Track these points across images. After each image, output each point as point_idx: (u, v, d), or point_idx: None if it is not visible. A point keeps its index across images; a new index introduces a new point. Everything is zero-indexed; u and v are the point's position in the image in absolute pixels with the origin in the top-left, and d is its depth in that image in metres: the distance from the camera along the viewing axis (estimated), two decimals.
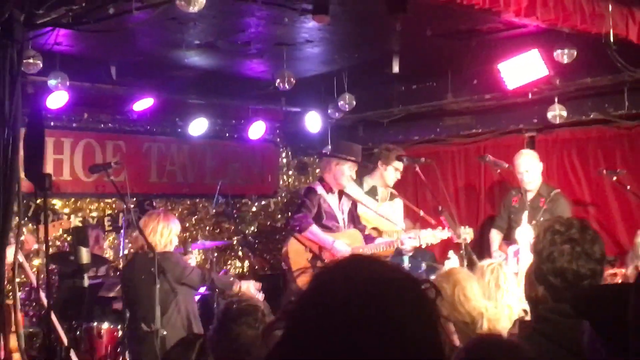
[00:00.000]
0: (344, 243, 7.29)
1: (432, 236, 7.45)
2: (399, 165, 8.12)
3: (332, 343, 1.36)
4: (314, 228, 7.23)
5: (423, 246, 7.76)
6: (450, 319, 3.48)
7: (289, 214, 8.06)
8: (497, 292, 3.81)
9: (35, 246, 6.93)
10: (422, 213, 8.25)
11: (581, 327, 1.94)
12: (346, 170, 7.55)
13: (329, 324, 1.37)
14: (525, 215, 7.77)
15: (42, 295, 6.44)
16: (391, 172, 8.13)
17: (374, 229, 7.93)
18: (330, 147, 8.04)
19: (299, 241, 7.17)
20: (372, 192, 8.17)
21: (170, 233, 6.41)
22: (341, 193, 7.64)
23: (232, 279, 7.02)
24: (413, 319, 1.39)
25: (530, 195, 8.07)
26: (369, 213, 7.88)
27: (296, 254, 7.22)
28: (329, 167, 7.65)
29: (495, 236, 8.26)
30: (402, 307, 1.39)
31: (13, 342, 5.43)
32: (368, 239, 7.59)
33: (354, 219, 7.71)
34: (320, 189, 7.53)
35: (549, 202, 7.87)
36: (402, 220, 8.21)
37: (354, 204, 7.75)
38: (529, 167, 7.96)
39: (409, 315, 1.39)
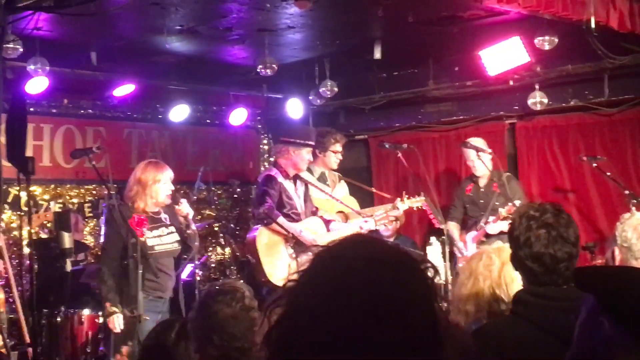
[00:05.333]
0: (309, 232, 7.30)
1: (384, 215, 7.54)
2: (337, 147, 8.16)
3: (330, 321, 1.37)
4: (281, 219, 7.16)
5: (381, 228, 7.81)
6: (483, 291, 3.48)
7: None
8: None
9: None
10: (374, 190, 8.35)
11: (583, 301, 1.95)
12: (305, 155, 7.49)
13: (328, 302, 1.38)
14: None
15: (13, 282, 6.38)
16: (331, 156, 8.15)
17: (340, 212, 7.92)
18: (284, 131, 7.87)
19: (270, 231, 7.16)
20: (322, 178, 8.18)
21: (148, 179, 6.38)
22: (295, 177, 7.58)
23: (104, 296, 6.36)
24: (411, 297, 1.41)
25: (482, 182, 8.15)
26: (331, 200, 7.90)
27: (265, 246, 7.17)
28: (286, 153, 7.50)
29: (454, 228, 8.27)
30: (401, 285, 1.41)
31: None
32: (326, 222, 7.60)
33: (307, 201, 7.70)
34: (279, 177, 7.42)
35: (501, 186, 7.92)
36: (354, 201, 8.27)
37: (307, 186, 7.73)
38: (477, 156, 8.02)
39: (408, 294, 1.41)
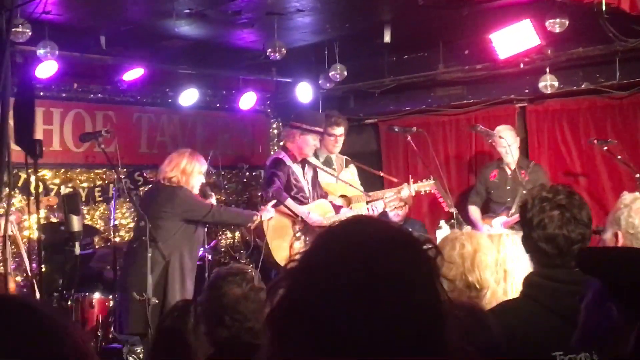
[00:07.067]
0: (316, 214, 7.30)
1: (394, 196, 7.54)
2: (334, 130, 8.04)
3: (331, 301, 1.37)
4: (289, 201, 7.17)
5: (390, 211, 7.81)
6: (456, 278, 3.46)
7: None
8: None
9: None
10: (382, 174, 8.32)
11: (589, 284, 1.93)
12: (310, 141, 7.47)
13: (328, 282, 1.38)
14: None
15: (28, 266, 6.44)
16: (327, 140, 8.07)
17: (342, 196, 7.91)
18: (293, 115, 7.88)
19: (278, 213, 7.17)
20: (328, 162, 8.14)
21: (193, 170, 6.69)
22: (304, 161, 7.57)
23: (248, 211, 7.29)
24: (413, 277, 1.40)
25: (510, 168, 8.14)
26: (332, 182, 7.88)
27: (274, 228, 7.17)
28: (292, 137, 7.52)
29: (475, 211, 8.28)
30: (402, 265, 1.40)
31: None
32: (335, 208, 7.59)
33: (316, 186, 7.69)
34: (287, 160, 7.43)
35: (530, 173, 7.91)
36: (359, 185, 8.25)
37: (315, 171, 7.72)
38: (512, 142, 8.03)
39: (408, 273, 1.40)
